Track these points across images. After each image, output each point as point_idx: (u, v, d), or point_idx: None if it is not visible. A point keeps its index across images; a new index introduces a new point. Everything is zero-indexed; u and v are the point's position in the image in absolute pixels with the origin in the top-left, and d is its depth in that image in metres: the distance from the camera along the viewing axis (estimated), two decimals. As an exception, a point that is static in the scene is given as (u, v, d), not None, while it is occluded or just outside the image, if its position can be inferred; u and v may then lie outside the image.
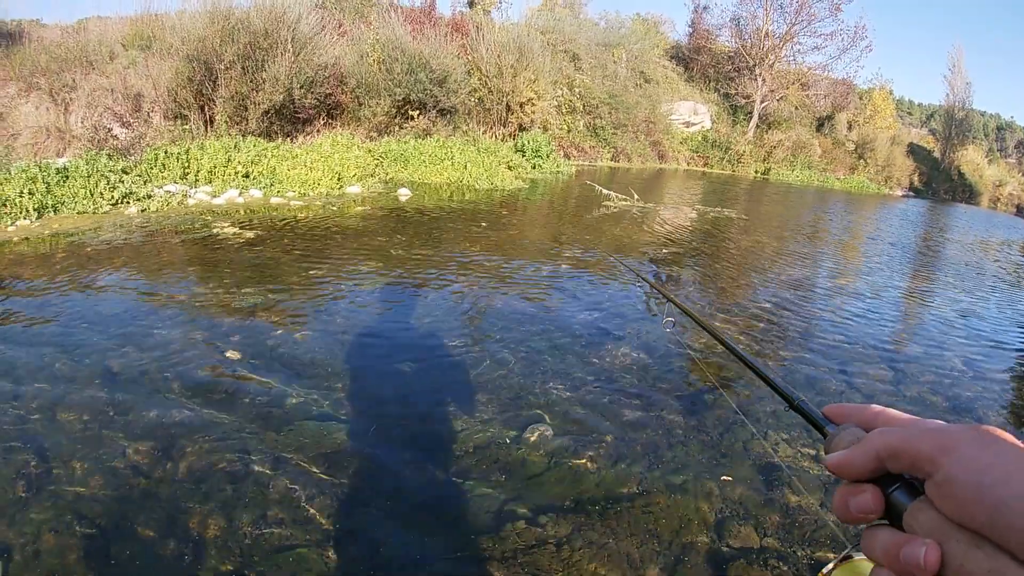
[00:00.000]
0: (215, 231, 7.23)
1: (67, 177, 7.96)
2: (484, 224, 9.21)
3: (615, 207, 12.38)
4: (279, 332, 4.43)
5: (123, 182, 8.42)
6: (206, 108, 12.86)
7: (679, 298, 1.51)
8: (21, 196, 7.10)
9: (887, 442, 0.44)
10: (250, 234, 7.20)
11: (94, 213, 7.58)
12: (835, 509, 0.47)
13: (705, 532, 2.72)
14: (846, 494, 0.46)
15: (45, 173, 7.79)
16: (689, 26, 35.29)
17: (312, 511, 2.61)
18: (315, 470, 2.88)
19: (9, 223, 6.74)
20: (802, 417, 0.58)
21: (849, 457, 0.46)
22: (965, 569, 0.37)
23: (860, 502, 0.45)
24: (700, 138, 30.08)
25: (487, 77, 18.77)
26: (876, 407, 0.50)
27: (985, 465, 0.38)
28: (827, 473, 3.25)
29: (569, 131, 23.04)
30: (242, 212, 8.52)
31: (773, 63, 31.67)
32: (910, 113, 71.82)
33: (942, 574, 0.38)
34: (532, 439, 3.30)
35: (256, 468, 2.85)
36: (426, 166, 13.62)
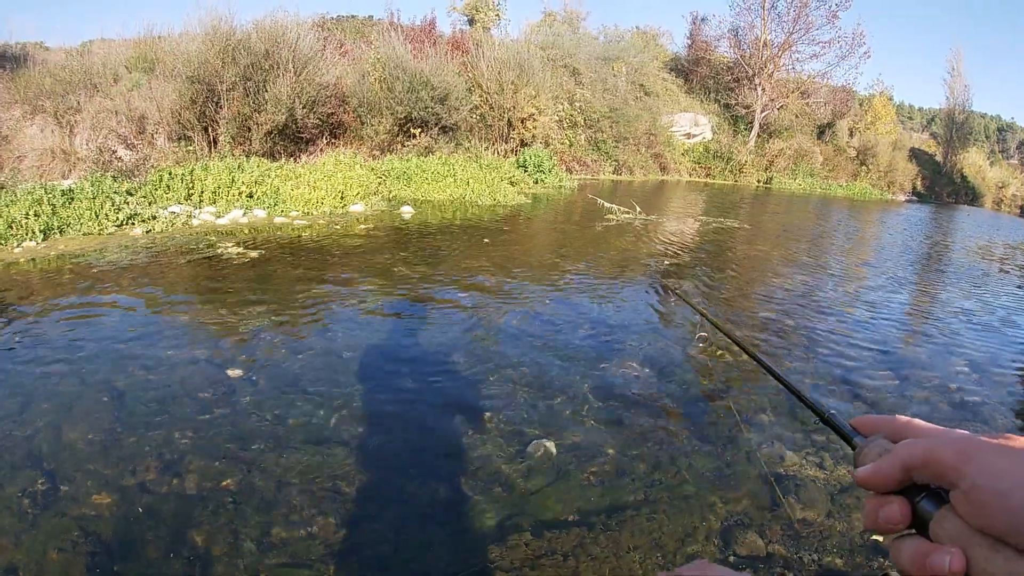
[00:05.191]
0: (219, 251, 7.28)
1: (72, 199, 8.04)
2: (487, 240, 9.24)
3: (617, 220, 12.40)
4: (283, 351, 4.45)
5: (128, 203, 8.49)
6: (210, 129, 12.97)
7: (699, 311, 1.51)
8: (27, 218, 7.17)
9: (913, 454, 0.45)
10: (254, 254, 7.25)
11: (99, 234, 7.65)
12: (864, 519, 0.48)
13: (710, 543, 2.72)
14: (875, 505, 0.47)
15: (51, 195, 7.87)
16: (687, 38, 35.46)
17: (316, 528, 2.62)
18: (319, 487, 2.89)
19: (16, 244, 6.80)
20: (832, 430, 0.58)
21: (877, 470, 0.47)
22: (988, 574, 0.39)
23: (888, 513, 0.46)
24: (701, 149, 30.16)
25: (488, 94, 18.88)
26: (903, 418, 0.51)
27: (1005, 472, 0.39)
28: (832, 482, 3.25)
29: (571, 145, 23.13)
30: (246, 232, 8.57)
31: (772, 72, 31.75)
32: (911, 118, 71.85)
33: None
34: (537, 453, 3.30)
35: (260, 486, 2.87)
36: (429, 183, 13.67)
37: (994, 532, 0.39)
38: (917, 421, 0.50)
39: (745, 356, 0.95)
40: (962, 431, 0.45)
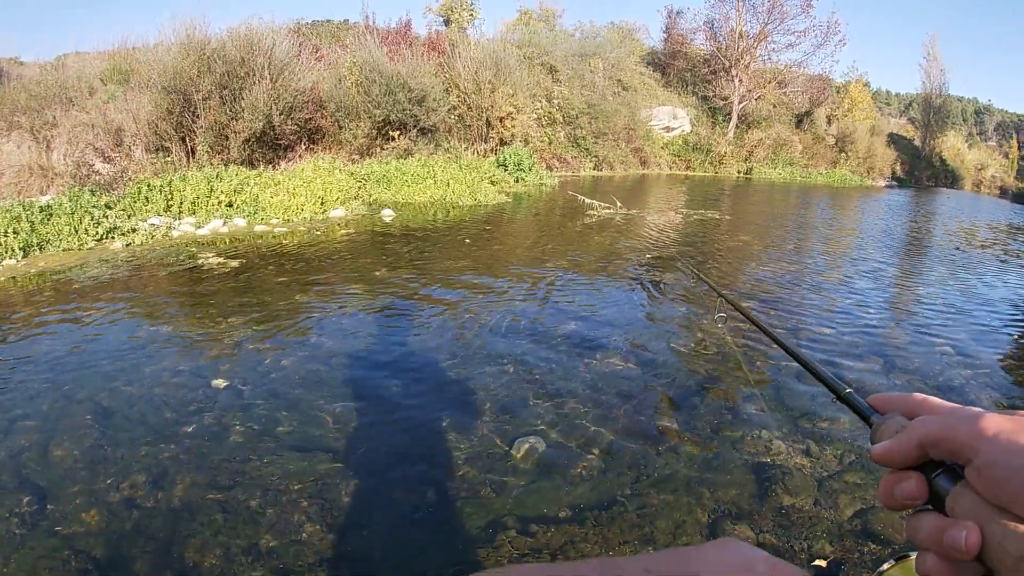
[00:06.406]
0: (200, 262, 7.24)
1: (51, 215, 7.95)
2: (468, 241, 9.24)
3: (599, 216, 12.44)
4: (267, 360, 4.44)
5: (107, 217, 8.42)
6: (187, 139, 12.87)
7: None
8: (6, 235, 7.09)
9: (928, 430, 0.46)
10: (235, 263, 7.21)
11: (79, 249, 7.58)
12: (881, 496, 0.49)
13: (700, 535, 2.74)
14: (891, 482, 0.48)
15: (29, 212, 7.78)
16: (664, 32, 35.69)
17: (305, 535, 2.62)
18: (307, 495, 2.89)
19: (-5, 264, 6.74)
20: (849, 407, 0.59)
21: (893, 446, 0.48)
22: (1004, 549, 0.39)
23: (905, 489, 0.46)
24: (681, 142, 30.30)
25: (466, 94, 18.86)
26: (919, 396, 0.52)
27: (1018, 449, 0.40)
28: (818, 469, 3.29)
29: (550, 143, 23.13)
30: (227, 241, 8.53)
31: (749, 63, 31.97)
32: (888, 103, 72.50)
33: (983, 554, 0.41)
34: (523, 451, 3.32)
35: (248, 496, 2.86)
36: (409, 186, 13.63)
37: (1008, 507, 0.40)
38: (933, 399, 0.51)
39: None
40: (977, 408, 0.45)
